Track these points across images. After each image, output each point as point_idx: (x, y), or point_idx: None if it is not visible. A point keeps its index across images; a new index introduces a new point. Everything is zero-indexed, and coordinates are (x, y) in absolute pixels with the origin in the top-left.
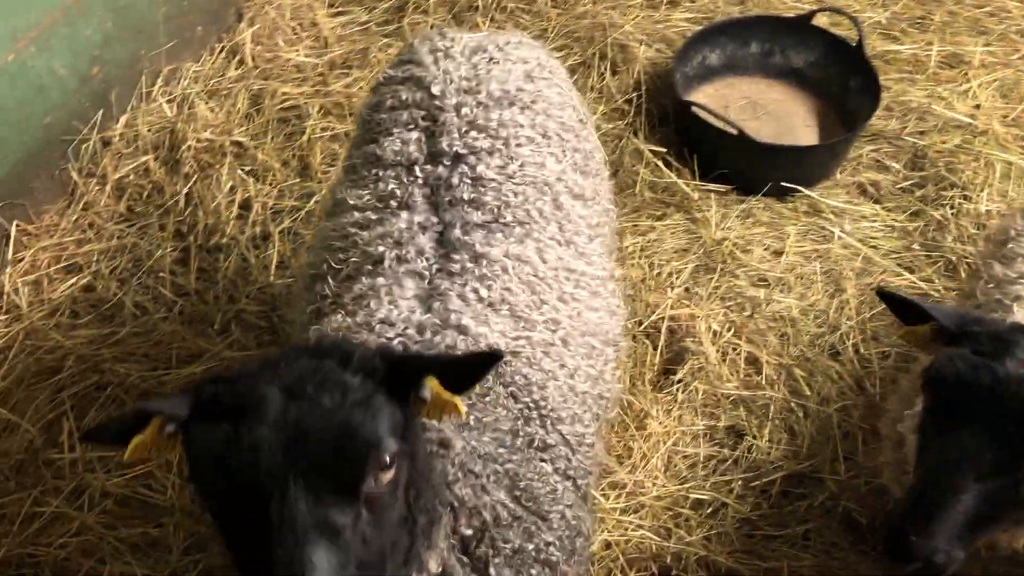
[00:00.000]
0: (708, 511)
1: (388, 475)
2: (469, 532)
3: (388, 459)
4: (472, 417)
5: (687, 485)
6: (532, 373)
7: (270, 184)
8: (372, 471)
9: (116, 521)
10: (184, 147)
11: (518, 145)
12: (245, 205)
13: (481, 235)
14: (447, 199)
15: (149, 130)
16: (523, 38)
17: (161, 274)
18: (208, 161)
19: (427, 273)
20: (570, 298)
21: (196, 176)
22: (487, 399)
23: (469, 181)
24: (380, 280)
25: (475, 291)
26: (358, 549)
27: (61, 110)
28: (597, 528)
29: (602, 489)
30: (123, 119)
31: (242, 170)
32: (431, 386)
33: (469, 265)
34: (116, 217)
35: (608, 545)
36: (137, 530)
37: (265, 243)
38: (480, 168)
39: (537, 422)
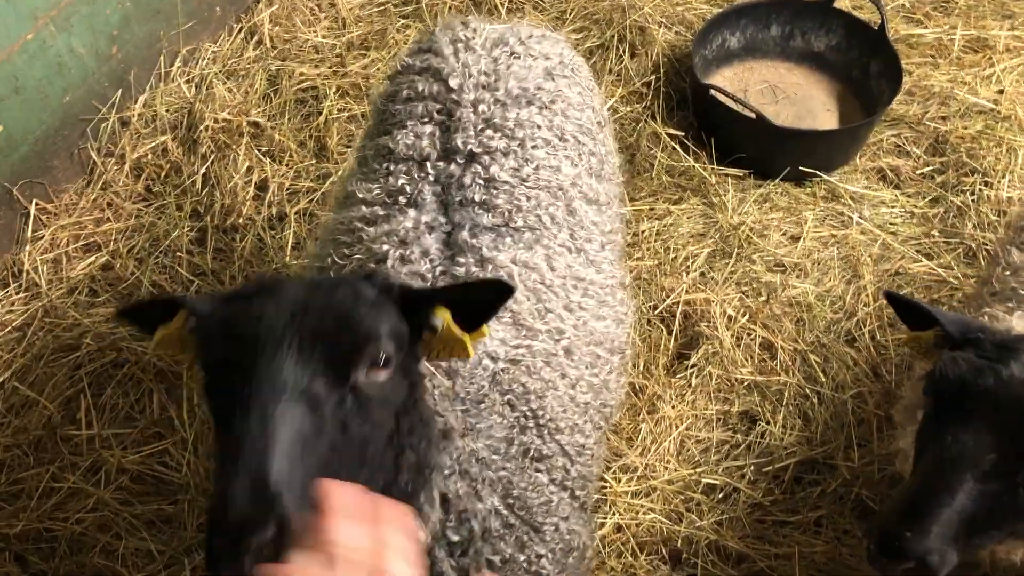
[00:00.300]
0: (720, 496)
1: (382, 375)
2: (456, 539)
3: (384, 358)
4: (466, 422)
5: (699, 469)
6: (531, 382)
7: (287, 165)
8: (366, 362)
9: (132, 497)
10: (202, 127)
11: (534, 147)
12: (262, 186)
13: (490, 239)
14: (458, 199)
15: (167, 110)
16: (547, 31)
17: (178, 254)
18: (225, 141)
19: (430, 275)
20: (577, 307)
21: (213, 156)
22: (482, 405)
23: (482, 182)
24: None
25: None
26: (335, 431)
27: (80, 89)
28: (609, 511)
29: (613, 472)
30: (141, 99)
31: (259, 151)
32: (443, 317)
33: (474, 269)
34: (134, 196)
35: (619, 528)
36: (152, 506)
37: (281, 224)
38: (494, 169)
39: (534, 431)
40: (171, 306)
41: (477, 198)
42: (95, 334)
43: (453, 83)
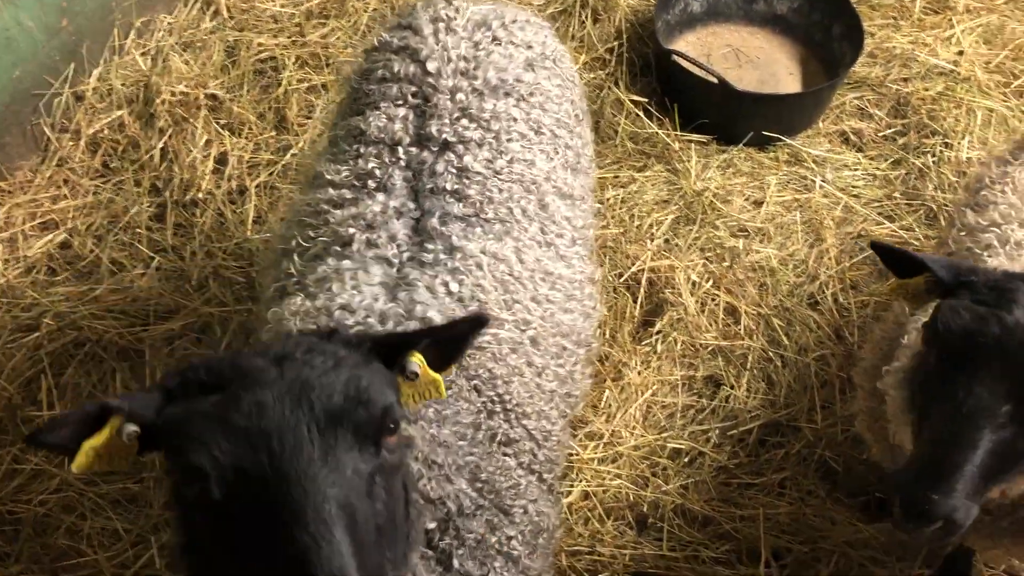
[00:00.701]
0: (685, 460)
1: (393, 440)
2: (432, 525)
3: (395, 421)
4: (432, 409)
5: (665, 435)
6: (497, 368)
7: (246, 138)
8: (387, 429)
9: (96, 477)
10: (158, 101)
11: (509, 140)
12: (221, 159)
13: (459, 227)
14: (429, 187)
15: (123, 84)
16: (531, 16)
17: (138, 230)
18: (183, 115)
19: (397, 260)
20: (544, 299)
21: (171, 130)
22: (449, 392)
23: (454, 171)
24: (346, 263)
25: (445, 284)
26: (378, 513)
27: (30, 63)
28: (575, 478)
29: (580, 440)
30: (95, 73)
31: (217, 123)
32: (418, 362)
33: (443, 257)
34: (91, 173)
35: (586, 495)
36: (117, 485)
37: (242, 197)
38: (467, 159)
39: (501, 416)
40: (101, 413)
41: (449, 187)
42: (55, 313)
43: (431, 66)
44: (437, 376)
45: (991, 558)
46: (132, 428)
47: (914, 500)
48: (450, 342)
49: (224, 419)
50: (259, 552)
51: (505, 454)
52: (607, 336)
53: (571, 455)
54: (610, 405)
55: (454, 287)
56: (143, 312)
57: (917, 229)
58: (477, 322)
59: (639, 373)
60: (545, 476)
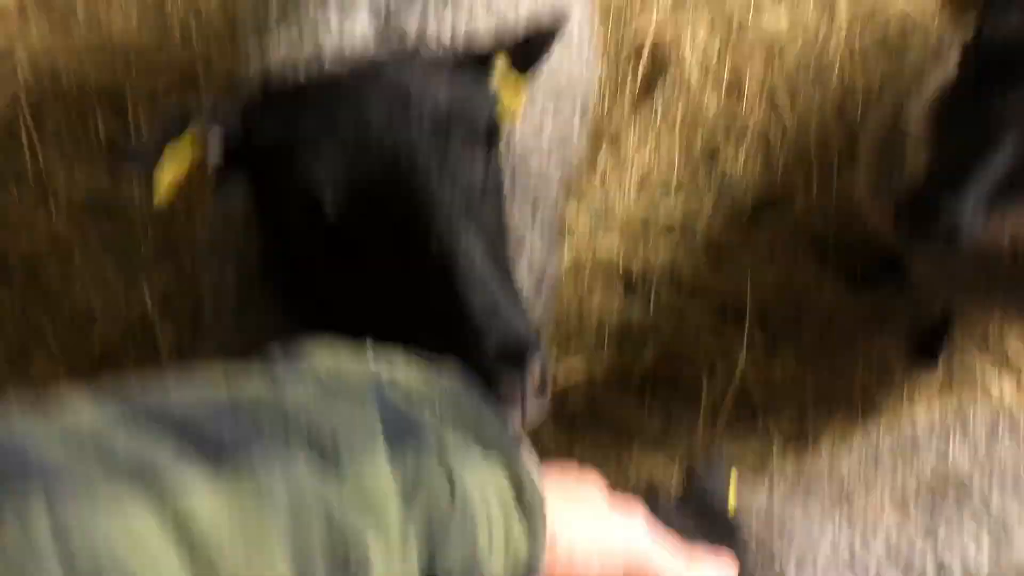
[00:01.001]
0: (678, 232)
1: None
2: None
3: (499, 131)
4: None
5: (659, 206)
6: None
7: None
8: (496, 137)
9: (84, 220)
10: None
11: None
12: None
13: None
14: None
15: None
16: None
17: None
18: None
19: (383, 5)
20: None
21: None
22: None
23: None
24: None
25: (437, 16)
26: (498, 227)
27: None
28: (567, 244)
29: (573, 208)
30: None
31: None
32: (500, 70)
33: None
34: None
35: (576, 263)
36: (106, 228)
37: None
38: None
39: (505, 162)
40: (178, 125)
41: None
42: (32, 62)
43: None
44: (514, 98)
45: (971, 324)
46: (218, 139)
47: (923, 200)
48: (527, 52)
49: (328, 131)
50: (384, 272)
51: (510, 203)
52: (605, 106)
53: (563, 223)
54: (605, 175)
55: (446, 20)
56: (123, 63)
57: (933, 4)
58: (552, 27)
59: (635, 145)
60: (546, 230)
